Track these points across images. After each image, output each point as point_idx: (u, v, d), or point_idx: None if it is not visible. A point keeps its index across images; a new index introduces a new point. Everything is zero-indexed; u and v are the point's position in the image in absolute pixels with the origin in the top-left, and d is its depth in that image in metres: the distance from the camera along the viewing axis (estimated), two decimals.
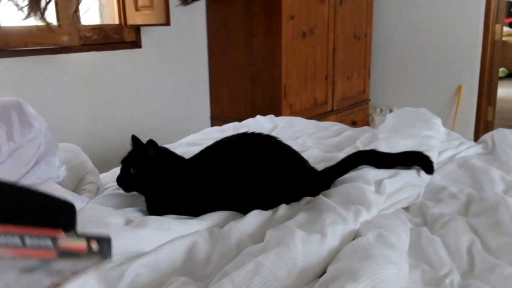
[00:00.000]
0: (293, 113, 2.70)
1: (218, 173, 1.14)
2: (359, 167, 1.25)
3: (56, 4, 2.09)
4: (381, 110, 3.71)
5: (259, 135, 1.20)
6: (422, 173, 1.27)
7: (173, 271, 0.92)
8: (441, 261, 0.93)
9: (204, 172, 1.15)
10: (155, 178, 1.16)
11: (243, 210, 1.10)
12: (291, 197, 1.14)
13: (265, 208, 1.10)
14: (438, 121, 1.69)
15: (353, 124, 3.27)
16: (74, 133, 2.29)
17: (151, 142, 1.17)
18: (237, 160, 1.14)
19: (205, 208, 1.12)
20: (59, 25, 2.11)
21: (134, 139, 1.22)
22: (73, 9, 2.11)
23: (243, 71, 2.80)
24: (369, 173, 1.19)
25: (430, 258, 0.95)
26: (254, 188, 1.12)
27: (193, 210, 1.12)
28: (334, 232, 0.93)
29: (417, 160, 1.28)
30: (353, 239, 0.95)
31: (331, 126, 1.95)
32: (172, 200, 1.15)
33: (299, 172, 1.17)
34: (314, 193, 1.16)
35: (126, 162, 1.19)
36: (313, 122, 2.02)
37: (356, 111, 3.39)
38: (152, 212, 1.16)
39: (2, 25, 1.99)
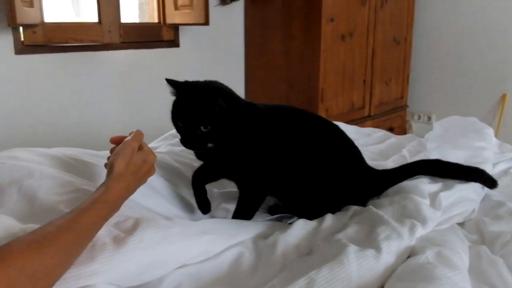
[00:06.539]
0: (329, 117, 2.61)
1: (289, 144, 1.07)
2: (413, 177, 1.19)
3: (98, 1, 2.09)
4: (419, 117, 3.59)
5: (330, 123, 1.18)
6: (478, 187, 1.20)
7: (216, 282, 0.87)
8: (506, 285, 0.86)
9: (277, 137, 1.07)
10: (234, 133, 1.01)
11: (300, 193, 1.09)
12: (353, 194, 1.12)
13: (323, 200, 1.09)
14: (490, 131, 1.60)
15: (390, 130, 3.17)
16: (110, 129, 2.29)
17: (218, 90, 0.97)
18: (309, 141, 1.10)
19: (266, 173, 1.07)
20: (100, 22, 2.11)
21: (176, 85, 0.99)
22: (115, 6, 2.10)
23: (280, 73, 2.75)
24: (424, 185, 1.12)
25: (492, 281, 0.87)
26: (319, 175, 1.09)
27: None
28: (389, 248, 0.87)
29: (479, 177, 1.21)
30: (408, 256, 0.89)
31: (373, 133, 1.87)
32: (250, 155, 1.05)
33: (361, 169, 1.16)
34: (378, 192, 1.16)
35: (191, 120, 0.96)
36: (354, 127, 1.95)
37: (393, 117, 3.29)
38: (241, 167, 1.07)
39: (46, 20, 2.00)
